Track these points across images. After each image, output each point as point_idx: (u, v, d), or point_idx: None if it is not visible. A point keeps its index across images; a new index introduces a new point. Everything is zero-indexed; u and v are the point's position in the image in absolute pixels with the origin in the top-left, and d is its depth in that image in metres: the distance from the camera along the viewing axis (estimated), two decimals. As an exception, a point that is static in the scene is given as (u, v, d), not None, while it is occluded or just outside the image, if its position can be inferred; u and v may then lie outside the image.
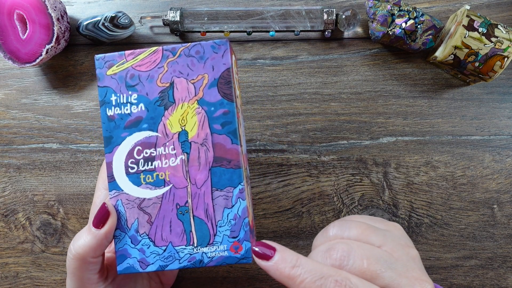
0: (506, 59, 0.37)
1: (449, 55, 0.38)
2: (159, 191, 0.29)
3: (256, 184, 0.43)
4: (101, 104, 0.30)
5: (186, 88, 0.29)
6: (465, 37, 0.37)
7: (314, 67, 0.43)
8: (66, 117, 0.44)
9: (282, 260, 0.25)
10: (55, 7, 0.40)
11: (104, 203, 0.28)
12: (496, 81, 0.42)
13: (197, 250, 0.28)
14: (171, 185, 0.29)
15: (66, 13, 0.43)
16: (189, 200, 0.29)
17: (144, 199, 0.29)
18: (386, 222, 0.30)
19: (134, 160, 0.29)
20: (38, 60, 0.40)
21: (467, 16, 0.38)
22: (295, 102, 0.43)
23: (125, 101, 0.29)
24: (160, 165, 0.29)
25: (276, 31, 0.42)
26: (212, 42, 0.29)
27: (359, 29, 0.43)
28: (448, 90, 0.43)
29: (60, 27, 0.41)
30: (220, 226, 0.28)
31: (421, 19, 0.39)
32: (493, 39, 0.37)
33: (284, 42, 0.44)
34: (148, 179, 0.29)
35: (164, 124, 0.29)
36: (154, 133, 0.29)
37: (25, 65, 0.41)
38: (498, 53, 0.37)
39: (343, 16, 0.41)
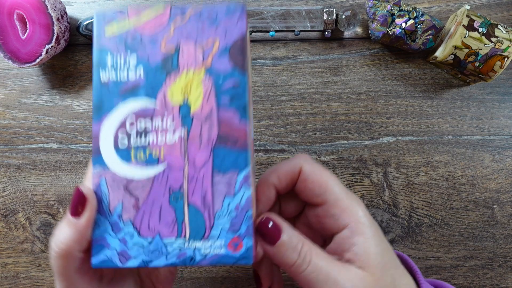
0: (506, 59, 0.37)
1: (449, 55, 0.38)
2: (151, 171, 0.25)
3: (256, 184, 0.43)
4: (94, 67, 0.26)
5: (193, 53, 0.25)
6: (465, 37, 0.37)
7: (314, 67, 0.43)
8: (66, 117, 0.44)
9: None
10: (55, 7, 0.40)
11: (77, 186, 0.25)
12: (496, 81, 0.42)
13: (188, 244, 0.24)
14: (165, 165, 0.25)
15: (66, 13, 0.43)
16: (185, 184, 0.25)
17: (133, 179, 0.25)
18: None
19: (125, 133, 0.25)
20: (38, 60, 0.40)
21: (467, 16, 0.38)
22: (295, 102, 0.43)
23: (122, 65, 0.26)
24: (155, 141, 0.25)
25: (276, 31, 0.42)
26: (226, 5, 0.26)
27: (359, 29, 0.43)
28: (448, 90, 0.43)
29: (60, 27, 0.41)
30: (218, 218, 0.24)
31: (421, 19, 0.39)
32: (493, 39, 0.37)
33: (284, 42, 0.44)
34: (140, 156, 0.25)
35: (164, 94, 0.25)
36: (152, 103, 0.25)
37: (25, 65, 0.41)
38: (498, 53, 0.37)
39: (343, 16, 0.41)
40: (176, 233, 0.25)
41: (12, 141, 0.44)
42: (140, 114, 0.25)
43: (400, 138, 0.42)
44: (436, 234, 0.42)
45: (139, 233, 0.25)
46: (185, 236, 0.24)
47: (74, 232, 0.24)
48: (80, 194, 0.24)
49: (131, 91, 0.25)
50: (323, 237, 0.30)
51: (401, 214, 0.42)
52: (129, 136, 0.25)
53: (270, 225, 0.25)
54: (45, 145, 0.44)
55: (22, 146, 0.44)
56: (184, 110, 0.25)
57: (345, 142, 0.43)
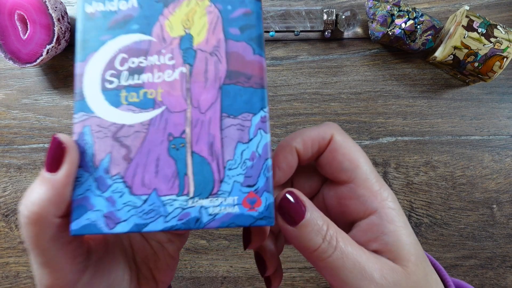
0: (505, 59, 0.37)
1: (449, 55, 0.39)
2: (146, 115, 0.21)
3: (256, 184, 0.43)
4: None
5: None
6: (464, 37, 0.37)
7: (314, 67, 0.43)
8: (67, 117, 0.44)
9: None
10: (56, 7, 0.41)
11: (54, 135, 0.20)
12: (495, 81, 0.42)
13: (193, 202, 0.20)
14: (164, 107, 0.21)
15: (66, 13, 0.43)
16: (188, 130, 0.21)
17: (123, 125, 0.21)
18: None
19: (115, 72, 0.21)
20: (38, 61, 0.41)
21: (467, 16, 0.38)
22: (295, 102, 0.43)
23: None
24: (150, 80, 0.21)
25: (276, 31, 0.43)
26: None
27: (359, 30, 0.43)
28: (448, 90, 0.43)
29: (61, 28, 0.41)
30: (230, 169, 0.20)
31: (421, 19, 0.39)
32: (492, 40, 0.37)
33: (284, 42, 0.44)
34: (132, 97, 0.21)
35: (161, 26, 0.22)
36: (147, 37, 0.22)
37: (26, 65, 0.41)
38: (497, 53, 0.37)
39: (343, 17, 0.41)
40: (177, 189, 0.20)
41: (13, 141, 0.45)
42: (133, 51, 0.22)
43: (399, 138, 0.42)
44: (435, 233, 0.42)
45: (131, 190, 0.20)
46: (188, 193, 0.20)
47: (49, 190, 0.20)
48: (57, 144, 0.20)
49: (122, 24, 0.22)
50: (342, 223, 0.25)
51: (400, 214, 0.42)
52: (119, 75, 0.21)
53: (292, 201, 0.21)
54: (46, 145, 0.44)
55: (23, 146, 0.44)
56: (186, 43, 0.22)
57: (345, 142, 0.43)
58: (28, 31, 0.40)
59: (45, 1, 0.40)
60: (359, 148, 0.24)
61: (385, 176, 0.42)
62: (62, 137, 0.20)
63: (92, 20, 0.22)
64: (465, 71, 0.39)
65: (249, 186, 0.20)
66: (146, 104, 0.21)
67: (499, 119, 0.42)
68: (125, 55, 0.22)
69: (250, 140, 0.21)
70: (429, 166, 0.42)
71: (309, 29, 0.42)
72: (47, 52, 0.40)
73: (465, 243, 0.42)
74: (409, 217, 0.42)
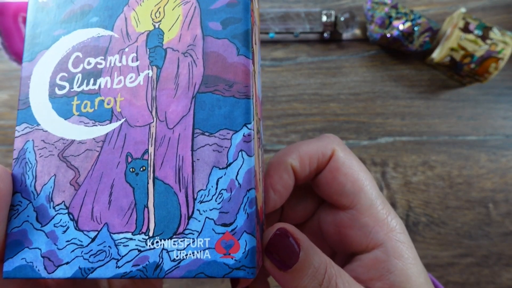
0: (500, 61, 0.38)
1: (446, 57, 0.39)
2: (101, 130, 0.17)
3: (256, 183, 0.43)
4: None
5: None
6: (461, 39, 0.38)
7: (313, 68, 0.44)
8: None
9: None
10: (59, 9, 0.41)
11: None
12: (491, 82, 0.43)
13: (153, 244, 0.16)
14: (123, 119, 0.17)
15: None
16: (151, 149, 0.17)
17: (73, 141, 0.17)
18: None
19: (66, 75, 0.18)
20: (42, 62, 0.41)
21: (463, 18, 0.38)
22: (295, 103, 0.44)
23: None
24: (109, 85, 0.17)
25: (276, 33, 0.43)
26: None
27: (357, 31, 0.44)
28: (445, 91, 0.43)
29: (64, 30, 0.41)
30: (201, 201, 0.16)
31: (418, 21, 0.40)
32: (488, 41, 0.38)
33: (284, 44, 0.44)
34: (85, 107, 0.17)
35: (126, 18, 0.18)
36: (108, 32, 0.18)
37: (30, 66, 0.42)
38: (493, 55, 0.38)
39: (342, 18, 0.42)
40: (134, 225, 0.16)
41: (16, 141, 0.45)
42: (90, 49, 0.18)
43: (398, 138, 0.43)
44: (433, 232, 0.43)
45: (76, 225, 0.16)
46: (147, 231, 0.16)
47: None
48: None
49: (79, 15, 0.18)
50: (341, 252, 0.22)
51: (398, 213, 0.43)
52: (71, 79, 0.17)
53: (284, 241, 0.17)
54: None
55: (27, 146, 0.45)
56: (154, 40, 0.17)
57: (344, 142, 0.43)
58: (32, 33, 0.41)
59: (49, 4, 0.40)
60: (363, 167, 0.20)
61: (383, 176, 0.43)
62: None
63: (45, 10, 0.18)
64: (462, 72, 0.40)
65: (224, 225, 0.16)
66: (101, 115, 0.17)
67: (495, 120, 0.43)
68: (80, 54, 0.18)
69: (229, 164, 0.16)
70: (427, 166, 0.43)
71: (308, 30, 0.43)
72: (51, 54, 0.41)
73: (461, 242, 0.42)
74: (406, 216, 0.43)
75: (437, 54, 0.40)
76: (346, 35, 0.44)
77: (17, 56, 0.41)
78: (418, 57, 0.44)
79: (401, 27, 0.40)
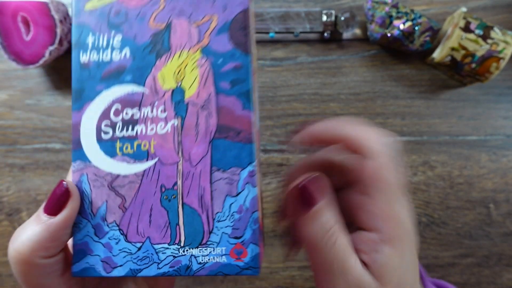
0: (501, 60, 0.38)
1: (446, 57, 0.39)
2: (140, 166, 0.22)
3: (256, 183, 0.43)
4: (73, 47, 0.23)
5: (187, 31, 0.22)
6: (461, 38, 0.38)
7: (313, 68, 0.44)
8: (69, 118, 0.45)
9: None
10: (58, 9, 0.41)
11: (62, 180, 0.21)
12: (492, 82, 0.43)
13: (184, 251, 0.21)
14: (156, 159, 0.22)
15: (68, 15, 0.43)
16: (179, 182, 0.22)
17: (119, 175, 0.22)
18: None
19: (109, 123, 0.22)
20: (41, 62, 0.41)
21: (464, 18, 0.38)
22: (295, 103, 0.44)
23: (105, 45, 0.23)
24: (144, 132, 0.22)
25: (276, 33, 0.43)
26: None
27: (357, 31, 0.44)
28: (445, 91, 0.43)
29: (63, 29, 0.41)
30: (218, 221, 0.21)
31: (419, 21, 0.40)
32: (489, 41, 0.38)
33: (284, 43, 0.44)
34: (127, 149, 0.22)
35: (154, 78, 0.22)
36: (140, 88, 0.22)
37: (29, 66, 0.42)
38: (494, 54, 0.38)
39: (342, 18, 0.42)
40: (169, 238, 0.21)
41: (16, 141, 0.45)
42: (127, 102, 0.22)
43: (398, 138, 0.43)
44: (433, 233, 0.42)
45: (126, 238, 0.22)
46: (179, 242, 0.21)
47: (42, 232, 0.20)
48: (63, 190, 0.20)
49: (116, 74, 0.22)
50: (347, 221, 0.25)
51: (398, 213, 0.43)
52: (114, 126, 0.22)
53: (313, 186, 0.21)
54: (48, 145, 0.45)
55: (26, 146, 0.45)
56: (178, 96, 0.22)
57: (344, 142, 0.43)
58: (31, 33, 0.41)
59: (48, 3, 0.40)
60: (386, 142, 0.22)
61: (383, 176, 0.43)
62: (70, 184, 0.21)
63: (87, 69, 0.22)
64: (463, 72, 0.40)
65: (236, 237, 0.21)
66: (140, 155, 0.22)
67: (495, 120, 0.43)
68: (119, 106, 0.22)
69: (238, 193, 0.21)
70: (427, 166, 0.43)
71: (308, 30, 0.42)
72: (50, 54, 0.41)
73: (462, 242, 0.42)
74: (407, 216, 0.43)
75: (438, 54, 0.40)
76: (346, 34, 0.44)
77: (16, 56, 0.41)
78: (419, 56, 0.44)
79: (401, 26, 0.40)
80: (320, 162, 0.24)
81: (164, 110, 0.22)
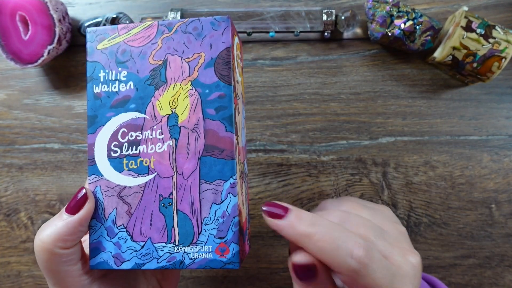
0: (503, 60, 0.37)
1: (448, 56, 0.39)
2: (142, 179, 0.26)
3: (256, 184, 0.43)
4: (88, 80, 0.27)
5: (180, 67, 0.27)
6: (463, 38, 0.38)
7: (314, 67, 0.44)
8: (68, 117, 0.45)
9: (297, 218, 0.23)
10: (57, 8, 0.41)
11: (82, 187, 0.26)
12: (494, 81, 0.43)
13: (178, 249, 0.26)
14: (155, 173, 0.26)
15: (67, 14, 0.43)
16: (174, 192, 0.26)
17: (125, 187, 0.26)
18: (376, 204, 0.30)
19: (117, 143, 0.27)
20: (40, 61, 0.41)
21: (465, 17, 0.38)
22: (295, 102, 0.43)
23: (113, 78, 0.27)
24: (145, 151, 0.26)
25: (276, 32, 0.43)
26: (212, 18, 0.27)
27: (358, 30, 0.44)
28: (447, 91, 0.43)
29: (62, 28, 0.41)
30: (206, 224, 0.26)
31: (420, 20, 0.40)
32: (491, 40, 0.37)
33: (284, 43, 0.44)
34: (131, 165, 0.27)
35: (153, 105, 0.27)
36: (142, 115, 0.27)
37: (27, 65, 0.41)
38: (495, 54, 0.37)
39: (343, 17, 0.41)
40: (166, 238, 0.26)
41: (14, 141, 0.45)
42: (131, 126, 0.27)
43: (399, 138, 0.43)
44: (434, 233, 0.42)
45: (132, 238, 0.26)
46: (174, 241, 0.26)
47: (62, 227, 0.25)
48: (82, 194, 0.26)
49: (122, 103, 0.27)
50: None
51: (400, 213, 0.42)
52: (121, 146, 0.27)
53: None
54: (47, 145, 0.45)
55: (24, 146, 0.45)
56: (172, 121, 0.26)
57: (345, 142, 0.43)
58: (29, 32, 0.40)
59: (46, 2, 0.40)
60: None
61: (384, 176, 0.42)
62: (88, 190, 0.26)
63: (99, 99, 0.27)
64: (464, 71, 0.40)
65: (220, 238, 0.25)
66: (142, 170, 0.27)
67: (497, 119, 0.42)
68: (125, 129, 0.27)
69: (222, 201, 0.26)
70: (428, 166, 0.42)
71: (308, 29, 0.42)
72: (48, 53, 0.41)
73: (463, 243, 0.42)
74: (408, 217, 0.42)
75: (439, 53, 0.39)
76: (347, 34, 0.44)
77: (14, 55, 0.41)
78: (420, 56, 0.43)
79: (402, 26, 0.40)
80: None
81: (162, 133, 0.27)
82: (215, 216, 0.26)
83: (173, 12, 0.42)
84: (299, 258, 0.23)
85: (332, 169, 0.43)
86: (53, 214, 0.44)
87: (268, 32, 0.43)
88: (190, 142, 0.26)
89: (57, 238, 0.25)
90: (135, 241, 0.26)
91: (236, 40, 0.29)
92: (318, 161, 0.43)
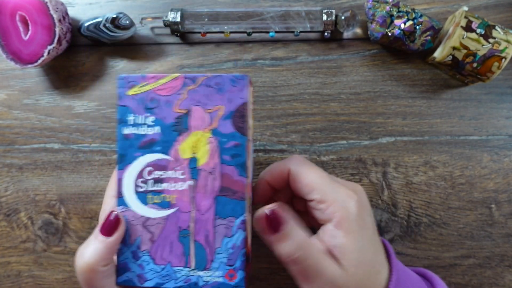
0: (503, 60, 0.37)
1: (448, 56, 0.39)
2: (164, 212, 0.30)
3: (256, 183, 0.43)
4: (118, 122, 0.30)
5: (201, 116, 0.30)
6: (463, 38, 0.38)
7: (314, 67, 0.44)
8: (68, 117, 0.45)
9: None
10: (57, 8, 0.41)
11: (113, 211, 0.29)
12: (494, 81, 0.43)
13: (193, 273, 0.29)
14: (176, 208, 0.30)
15: (67, 14, 0.43)
16: (192, 225, 0.30)
17: (149, 218, 0.30)
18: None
19: (143, 180, 0.30)
20: (40, 61, 0.41)
21: (465, 17, 0.38)
22: (295, 103, 0.43)
23: (142, 122, 0.30)
24: (168, 188, 0.30)
25: (276, 32, 0.43)
26: (232, 76, 0.30)
27: (358, 30, 0.44)
28: (447, 91, 0.43)
29: (62, 28, 0.41)
30: (218, 253, 0.29)
31: (420, 20, 0.40)
32: (491, 40, 0.37)
33: (284, 43, 0.44)
34: (155, 199, 0.30)
35: (176, 149, 0.30)
36: (166, 157, 0.30)
37: (27, 65, 0.41)
38: (495, 54, 0.37)
39: (343, 17, 0.41)
40: (183, 263, 0.30)
41: (14, 141, 0.45)
42: (156, 166, 0.30)
43: (399, 138, 0.43)
44: (434, 233, 0.42)
45: (154, 261, 0.30)
46: (190, 266, 0.30)
47: (102, 248, 0.28)
48: (116, 217, 0.29)
49: (149, 145, 0.30)
50: (313, 224, 0.32)
51: (400, 213, 0.42)
52: (146, 182, 0.30)
53: (274, 217, 0.29)
54: (47, 145, 0.45)
55: (24, 146, 0.45)
56: (193, 164, 0.30)
57: (345, 142, 0.43)
58: (29, 32, 0.40)
59: (46, 2, 0.40)
60: (314, 169, 0.30)
61: (384, 176, 0.42)
62: (119, 213, 0.30)
63: (128, 140, 0.30)
64: (464, 71, 0.40)
65: (230, 265, 0.29)
66: (164, 204, 0.30)
67: (497, 119, 0.42)
68: (151, 168, 0.30)
69: (233, 235, 0.29)
70: (428, 166, 0.42)
71: (308, 29, 0.42)
72: (48, 53, 0.41)
73: (463, 243, 0.42)
74: (408, 217, 0.42)
75: (439, 53, 0.39)
76: (347, 34, 0.44)
77: (14, 55, 0.41)
78: (420, 56, 0.43)
79: (402, 26, 0.40)
80: (270, 182, 0.33)
81: (183, 174, 0.30)
82: (226, 247, 0.29)
83: (173, 12, 0.42)
84: (267, 208, 0.29)
85: (332, 169, 0.43)
86: (53, 214, 0.44)
87: (268, 32, 0.43)
88: (207, 183, 0.30)
89: (100, 257, 0.28)
90: (157, 264, 0.30)
91: (251, 89, 0.32)
92: (318, 161, 0.43)
